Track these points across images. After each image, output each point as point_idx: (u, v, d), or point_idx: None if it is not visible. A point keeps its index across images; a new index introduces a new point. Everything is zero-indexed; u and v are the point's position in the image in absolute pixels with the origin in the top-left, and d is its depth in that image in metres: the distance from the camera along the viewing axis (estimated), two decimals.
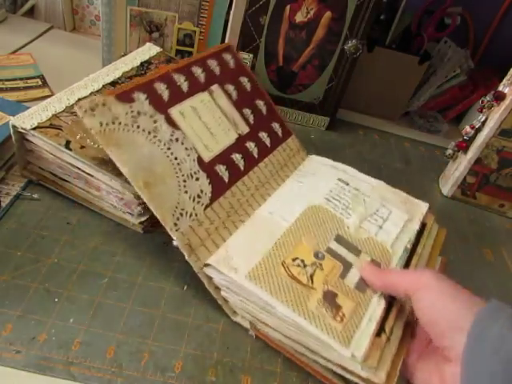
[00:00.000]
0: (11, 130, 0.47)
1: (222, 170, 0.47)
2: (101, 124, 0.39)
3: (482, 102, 0.64)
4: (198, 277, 0.47)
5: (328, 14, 0.67)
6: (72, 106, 0.51)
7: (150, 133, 0.42)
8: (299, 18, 0.68)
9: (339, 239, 0.45)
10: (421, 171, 0.76)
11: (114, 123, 0.40)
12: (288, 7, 0.67)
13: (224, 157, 0.47)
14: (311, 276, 0.40)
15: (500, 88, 0.63)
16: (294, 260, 0.41)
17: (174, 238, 0.41)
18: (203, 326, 0.43)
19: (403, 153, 0.80)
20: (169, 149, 0.43)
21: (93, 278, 0.44)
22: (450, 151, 0.71)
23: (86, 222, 0.50)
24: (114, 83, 0.58)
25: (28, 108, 0.49)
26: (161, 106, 0.44)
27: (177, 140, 0.44)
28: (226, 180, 0.47)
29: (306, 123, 0.79)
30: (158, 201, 0.40)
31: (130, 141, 0.41)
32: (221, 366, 0.40)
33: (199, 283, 0.47)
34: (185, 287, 0.46)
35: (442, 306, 0.33)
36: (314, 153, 0.73)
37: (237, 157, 0.49)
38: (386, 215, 0.49)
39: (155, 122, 0.43)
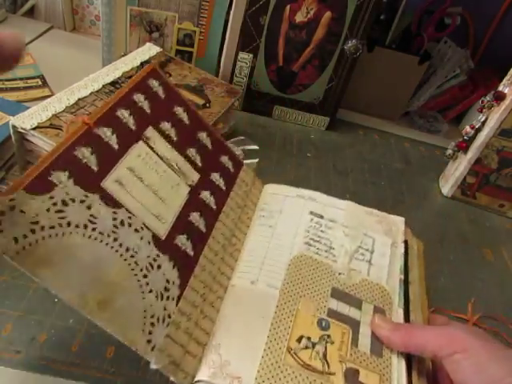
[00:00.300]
0: (11, 130, 0.47)
1: (183, 241, 0.37)
2: (16, 241, 0.26)
3: (482, 102, 0.64)
4: None
5: (328, 14, 0.67)
6: (72, 105, 0.52)
7: (86, 227, 0.30)
8: (299, 18, 0.68)
9: (336, 294, 0.40)
10: (421, 171, 0.76)
11: (34, 232, 0.27)
12: (288, 7, 0.67)
13: (182, 223, 0.38)
14: (324, 356, 0.35)
15: (500, 88, 0.63)
16: (299, 341, 0.36)
17: (152, 361, 0.30)
18: None
19: (403, 153, 0.80)
20: (115, 240, 0.32)
21: None
22: (450, 151, 0.71)
23: None
24: (114, 83, 0.58)
25: (28, 108, 0.49)
26: (91, 182, 0.32)
27: (122, 223, 0.33)
28: (192, 253, 0.37)
29: (305, 123, 0.79)
30: (121, 320, 0.30)
31: (63, 250, 0.28)
32: None
33: None
34: None
35: (486, 371, 0.31)
36: (314, 153, 0.73)
37: (195, 217, 0.40)
38: (371, 245, 0.46)
39: (89, 207, 0.31)
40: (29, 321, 0.40)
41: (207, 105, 0.62)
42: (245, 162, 0.60)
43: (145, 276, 0.32)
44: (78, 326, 0.40)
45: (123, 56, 0.71)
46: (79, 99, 0.52)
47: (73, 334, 0.39)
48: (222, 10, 0.70)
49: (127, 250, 0.32)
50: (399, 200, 0.67)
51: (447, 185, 0.71)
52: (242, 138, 0.64)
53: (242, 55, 0.72)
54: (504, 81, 0.63)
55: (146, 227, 0.35)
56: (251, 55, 0.72)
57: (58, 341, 0.39)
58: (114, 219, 0.33)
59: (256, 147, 0.63)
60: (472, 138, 0.66)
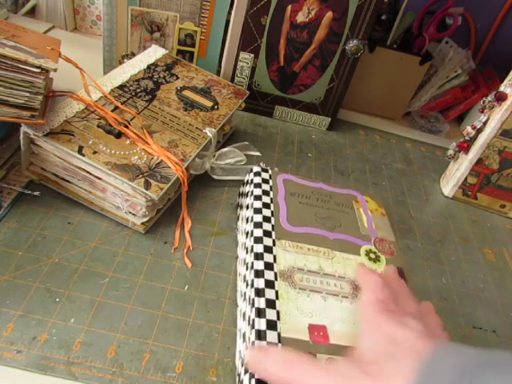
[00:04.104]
0: (21, 135, 0.47)
1: None
2: None
3: (484, 102, 0.64)
4: (199, 276, 0.48)
5: (329, 14, 0.67)
6: (82, 110, 0.52)
7: None
8: (300, 18, 0.68)
9: None
10: (422, 171, 0.76)
11: None
12: (289, 7, 0.67)
13: None
14: None
15: (501, 88, 0.63)
16: None
17: None
18: (204, 326, 0.43)
19: (404, 153, 0.80)
20: None
21: (94, 277, 0.44)
22: (451, 151, 0.71)
23: (86, 221, 0.50)
24: (122, 86, 0.58)
25: None
26: None
27: None
28: None
29: (307, 123, 0.79)
30: None
31: None
32: (222, 366, 0.40)
33: (200, 283, 0.47)
34: (186, 287, 0.46)
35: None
36: (315, 153, 0.73)
37: None
38: None
39: None
40: (30, 320, 0.40)
41: (215, 107, 0.62)
42: (248, 167, 0.60)
43: None
44: (78, 326, 0.40)
45: (125, 56, 0.71)
46: (89, 105, 0.52)
47: (74, 334, 0.39)
48: (223, 10, 0.70)
49: None
50: (400, 200, 0.67)
51: (448, 185, 0.71)
52: (247, 143, 0.64)
53: (243, 55, 0.72)
54: (505, 81, 0.63)
55: None
56: (252, 55, 0.72)
57: (59, 340, 0.39)
58: None
59: (258, 154, 0.63)
60: (473, 139, 0.66)
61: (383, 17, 0.82)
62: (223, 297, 0.46)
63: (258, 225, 0.44)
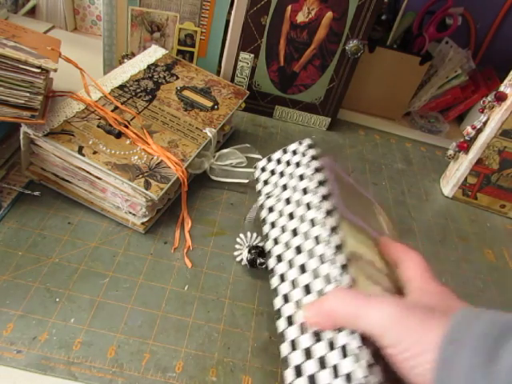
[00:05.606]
0: (21, 136, 0.47)
1: None
2: None
3: (484, 102, 0.64)
4: (199, 276, 0.48)
5: (329, 14, 0.67)
6: (82, 110, 0.52)
7: None
8: (300, 18, 0.68)
9: None
10: (422, 171, 0.76)
11: None
12: (289, 7, 0.67)
13: None
14: None
15: (501, 88, 0.63)
16: None
17: None
18: (204, 326, 0.43)
19: (404, 153, 0.80)
20: None
21: (94, 277, 0.44)
22: (451, 151, 0.71)
23: (86, 221, 0.50)
24: (122, 87, 0.58)
25: None
26: None
27: None
28: None
29: (307, 123, 0.79)
30: None
31: None
32: (221, 366, 0.40)
33: (200, 283, 0.47)
34: (186, 287, 0.46)
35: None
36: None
37: None
38: None
39: None
40: (30, 320, 0.40)
41: (215, 107, 0.62)
42: (248, 170, 0.60)
43: None
44: (78, 326, 0.40)
45: (125, 56, 0.71)
46: (89, 104, 0.52)
47: (74, 334, 0.40)
48: (223, 10, 0.70)
49: None
50: (400, 200, 0.67)
51: (448, 185, 0.71)
52: (248, 145, 0.64)
53: (243, 55, 0.72)
54: (505, 81, 0.63)
55: None
56: (252, 55, 0.72)
57: (59, 341, 0.39)
58: None
59: (259, 156, 0.63)
60: (473, 139, 0.66)
61: (383, 17, 0.82)
62: (223, 297, 0.46)
63: (325, 197, 0.39)
